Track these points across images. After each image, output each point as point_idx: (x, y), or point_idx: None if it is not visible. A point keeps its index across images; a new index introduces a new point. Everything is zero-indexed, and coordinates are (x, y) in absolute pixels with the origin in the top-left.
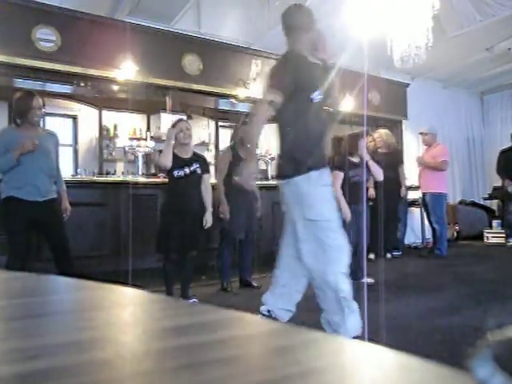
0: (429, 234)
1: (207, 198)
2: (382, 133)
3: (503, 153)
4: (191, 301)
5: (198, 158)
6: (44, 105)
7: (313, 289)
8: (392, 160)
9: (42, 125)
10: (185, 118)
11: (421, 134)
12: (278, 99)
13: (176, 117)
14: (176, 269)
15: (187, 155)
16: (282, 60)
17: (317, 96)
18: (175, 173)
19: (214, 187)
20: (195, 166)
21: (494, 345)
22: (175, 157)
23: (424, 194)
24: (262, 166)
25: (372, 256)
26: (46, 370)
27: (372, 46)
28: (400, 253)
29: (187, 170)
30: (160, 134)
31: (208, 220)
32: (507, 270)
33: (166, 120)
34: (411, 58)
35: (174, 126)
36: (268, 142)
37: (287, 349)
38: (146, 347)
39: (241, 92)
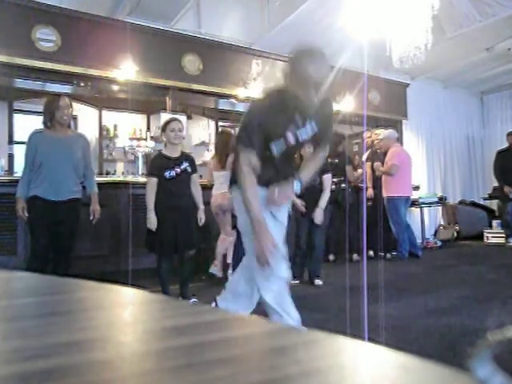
0: (428, 234)
1: (198, 196)
2: (379, 133)
3: (500, 153)
4: (191, 301)
5: (187, 157)
6: (71, 105)
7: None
8: None
9: (71, 126)
10: (184, 118)
11: (380, 140)
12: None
13: (175, 117)
14: (171, 268)
15: (176, 154)
16: None
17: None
18: (166, 174)
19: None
20: (185, 164)
21: (494, 345)
22: (164, 157)
23: (383, 198)
24: None
25: (371, 253)
26: (46, 370)
27: (372, 46)
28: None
29: (178, 170)
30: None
31: (202, 218)
32: (507, 270)
33: None
34: (410, 58)
35: (166, 124)
36: None
37: (287, 349)
38: (146, 347)
39: (241, 92)
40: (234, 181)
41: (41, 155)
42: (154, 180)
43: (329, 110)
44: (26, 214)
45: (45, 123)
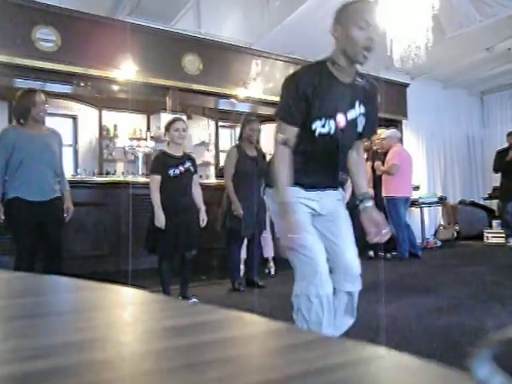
0: (428, 234)
1: (199, 197)
2: (380, 133)
3: (499, 153)
4: (191, 301)
5: (189, 157)
6: (47, 101)
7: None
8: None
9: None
10: (184, 118)
11: (382, 139)
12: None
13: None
14: (172, 268)
15: (179, 154)
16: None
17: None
18: (171, 172)
19: (209, 186)
20: (188, 164)
21: (493, 345)
22: (169, 156)
23: (382, 198)
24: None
25: (371, 253)
26: (46, 370)
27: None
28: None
29: (182, 168)
30: (160, 134)
31: (204, 218)
32: (507, 270)
33: (166, 120)
34: (411, 58)
35: (170, 123)
36: (269, 141)
37: (288, 349)
38: (146, 347)
39: (241, 92)
40: (266, 183)
41: (19, 154)
42: (158, 177)
43: (374, 92)
44: (3, 217)
45: (17, 120)
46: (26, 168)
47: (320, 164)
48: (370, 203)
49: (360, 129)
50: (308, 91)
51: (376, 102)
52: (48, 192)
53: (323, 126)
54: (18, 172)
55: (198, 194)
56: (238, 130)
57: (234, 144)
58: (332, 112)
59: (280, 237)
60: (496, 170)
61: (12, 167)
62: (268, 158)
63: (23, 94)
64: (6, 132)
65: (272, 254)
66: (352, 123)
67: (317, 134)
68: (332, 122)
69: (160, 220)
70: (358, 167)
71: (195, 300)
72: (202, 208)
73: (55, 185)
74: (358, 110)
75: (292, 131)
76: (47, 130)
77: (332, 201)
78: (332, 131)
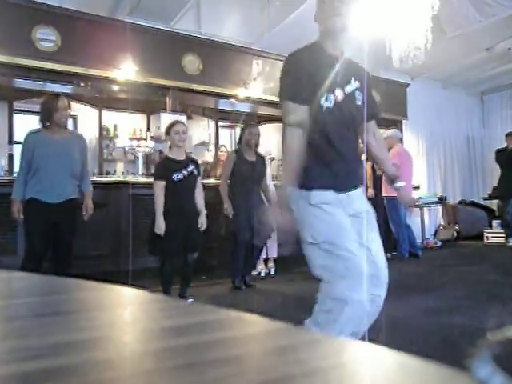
0: (428, 234)
1: (201, 200)
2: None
3: (498, 152)
4: (189, 301)
5: (192, 160)
6: (69, 106)
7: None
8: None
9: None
10: (184, 119)
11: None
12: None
13: (176, 117)
14: (174, 270)
15: (182, 157)
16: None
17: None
18: (174, 176)
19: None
20: (191, 167)
21: (494, 345)
22: (171, 161)
23: (383, 198)
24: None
25: None
26: (46, 370)
27: (372, 46)
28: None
29: (185, 172)
30: (160, 134)
31: (203, 222)
32: (507, 270)
33: (166, 120)
34: (410, 59)
35: (170, 126)
36: (268, 141)
37: (287, 349)
38: (147, 347)
39: (241, 92)
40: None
41: (38, 157)
42: (162, 183)
43: (363, 68)
44: (21, 217)
45: (42, 123)
46: (43, 171)
47: (338, 148)
48: (402, 183)
49: (359, 103)
50: (310, 67)
51: (369, 79)
52: (61, 194)
53: (326, 100)
54: (36, 175)
55: (200, 198)
56: (238, 130)
57: (234, 146)
58: (332, 87)
59: (311, 240)
60: (500, 162)
61: (32, 170)
62: (267, 161)
63: (46, 99)
64: (28, 136)
65: (275, 255)
66: (351, 97)
67: (324, 108)
68: (332, 97)
69: (160, 227)
70: (380, 150)
71: (191, 300)
72: (203, 212)
73: (71, 188)
74: (353, 85)
75: (302, 109)
76: (70, 134)
77: (359, 199)
78: (331, 105)
